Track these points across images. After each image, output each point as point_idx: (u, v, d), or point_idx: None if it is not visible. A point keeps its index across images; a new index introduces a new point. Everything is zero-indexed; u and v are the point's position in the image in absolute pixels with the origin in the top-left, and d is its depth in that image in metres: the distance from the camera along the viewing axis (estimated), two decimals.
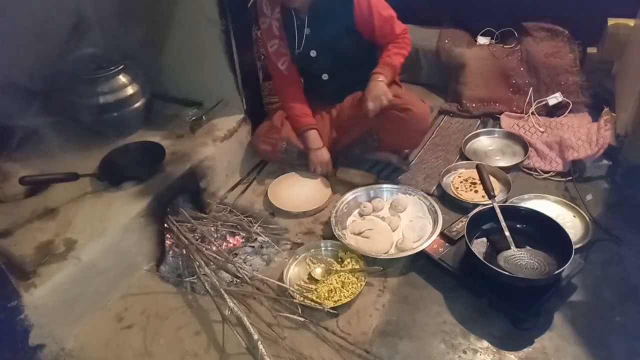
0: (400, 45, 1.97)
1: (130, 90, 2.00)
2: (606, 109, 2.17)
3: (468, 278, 1.58)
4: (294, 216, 1.96)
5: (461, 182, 2.02)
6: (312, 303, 1.55)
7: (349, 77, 2.02)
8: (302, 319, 1.53)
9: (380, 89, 1.88)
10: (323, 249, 1.79)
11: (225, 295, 1.56)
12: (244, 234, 1.87)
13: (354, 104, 2.04)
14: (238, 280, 1.66)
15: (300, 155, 2.11)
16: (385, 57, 1.96)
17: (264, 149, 2.13)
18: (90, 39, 2.16)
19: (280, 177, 2.13)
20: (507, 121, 2.39)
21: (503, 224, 1.58)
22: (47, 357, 1.46)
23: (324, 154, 2.03)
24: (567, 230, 1.54)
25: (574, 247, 1.48)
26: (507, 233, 1.56)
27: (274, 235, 1.87)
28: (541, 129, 2.28)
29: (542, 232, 1.61)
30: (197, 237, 1.82)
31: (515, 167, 2.11)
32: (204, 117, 2.11)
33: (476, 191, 1.96)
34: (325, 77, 2.04)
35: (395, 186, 2.00)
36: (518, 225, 1.64)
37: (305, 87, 2.14)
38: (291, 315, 1.54)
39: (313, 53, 1.95)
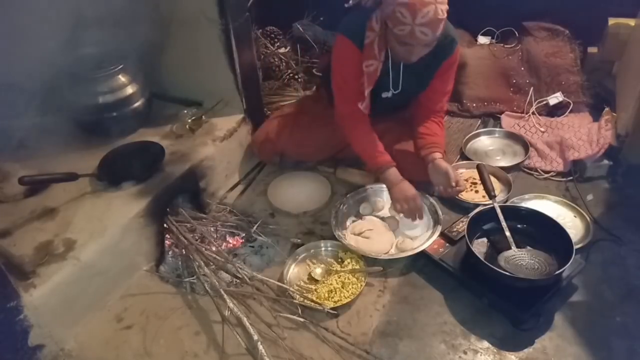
0: (440, 124, 1.89)
1: (129, 90, 1.99)
2: (607, 109, 2.17)
3: (468, 278, 1.57)
4: (294, 216, 1.95)
5: None
6: (312, 303, 1.54)
7: (405, 100, 1.95)
8: (302, 320, 1.53)
9: (446, 170, 1.76)
10: (323, 249, 1.78)
11: (225, 296, 1.56)
12: (243, 234, 1.86)
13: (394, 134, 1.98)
14: (238, 281, 1.66)
15: (296, 165, 2.13)
16: (437, 136, 1.85)
17: (260, 157, 2.16)
18: (90, 39, 2.15)
19: (280, 176, 2.13)
20: (508, 121, 2.38)
21: (504, 224, 1.58)
22: (46, 357, 1.46)
23: (408, 189, 1.76)
24: (568, 231, 1.54)
25: (575, 247, 1.48)
26: (507, 233, 1.56)
27: (274, 236, 1.86)
28: (542, 129, 2.28)
29: (542, 232, 1.61)
30: (197, 238, 1.82)
31: (516, 167, 2.11)
32: (203, 117, 2.11)
33: (477, 191, 1.96)
34: (384, 95, 1.88)
35: None
36: (519, 226, 1.64)
37: (316, 108, 2.09)
38: (291, 316, 1.54)
39: (389, 94, 1.85)
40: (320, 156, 2.12)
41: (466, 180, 2.02)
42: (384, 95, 1.83)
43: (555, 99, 2.36)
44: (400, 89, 1.83)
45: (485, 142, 2.30)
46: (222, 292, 1.57)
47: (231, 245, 1.84)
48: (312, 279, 1.67)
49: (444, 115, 1.94)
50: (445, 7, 1.49)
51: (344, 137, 1.87)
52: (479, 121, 2.44)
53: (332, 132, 1.97)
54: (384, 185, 1.97)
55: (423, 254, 1.68)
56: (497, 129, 2.35)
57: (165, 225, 1.81)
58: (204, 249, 1.73)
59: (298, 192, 2.06)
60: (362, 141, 1.83)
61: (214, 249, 1.77)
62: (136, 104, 2.03)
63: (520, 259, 1.50)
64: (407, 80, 1.80)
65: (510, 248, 1.53)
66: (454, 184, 1.75)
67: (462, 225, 1.72)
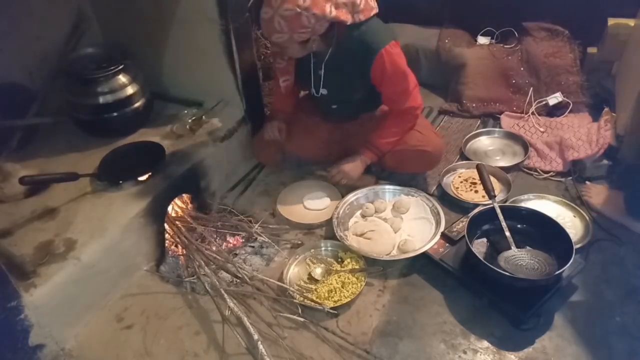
0: (401, 124, 1.90)
1: (130, 90, 1.99)
2: (606, 109, 2.17)
3: (468, 278, 1.57)
4: (307, 227, 1.91)
5: (461, 182, 2.02)
6: (312, 303, 1.54)
7: (358, 106, 1.99)
8: (302, 319, 1.53)
9: (355, 173, 1.93)
10: (323, 249, 1.79)
11: (225, 296, 1.56)
12: (244, 234, 1.87)
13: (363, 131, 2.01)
14: (238, 280, 1.66)
15: (300, 164, 2.13)
16: (378, 138, 1.90)
17: (263, 158, 2.17)
18: (90, 39, 2.16)
19: (287, 188, 2.07)
20: (507, 121, 2.39)
21: (503, 224, 1.58)
22: (47, 357, 1.46)
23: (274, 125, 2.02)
24: (568, 230, 1.54)
25: (575, 247, 1.48)
26: (507, 233, 1.56)
27: (274, 235, 1.87)
28: (541, 129, 2.28)
29: (542, 232, 1.61)
30: (197, 237, 1.82)
31: (516, 167, 2.11)
32: (204, 117, 2.11)
33: (476, 191, 1.96)
34: (334, 107, 1.99)
35: (397, 187, 1.99)
36: (518, 226, 1.64)
37: (314, 108, 2.10)
38: (291, 316, 1.54)
39: (324, 91, 1.92)
40: (320, 153, 2.10)
41: (465, 180, 2.02)
42: (322, 92, 1.93)
43: (554, 99, 2.36)
44: (328, 90, 1.92)
45: (485, 142, 2.30)
46: (223, 291, 1.58)
47: (231, 245, 1.84)
48: (312, 279, 1.68)
49: (409, 114, 1.90)
50: (282, 18, 1.57)
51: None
52: (479, 121, 2.44)
53: (330, 129, 2.03)
54: (387, 187, 2.00)
55: (423, 254, 1.68)
56: (497, 129, 2.35)
57: (165, 225, 1.81)
58: (204, 248, 1.73)
59: (308, 203, 2.00)
60: (274, 102, 2.16)
61: (214, 248, 1.77)
62: (136, 104, 2.02)
63: (520, 259, 1.50)
64: (333, 81, 1.89)
65: (510, 248, 1.53)
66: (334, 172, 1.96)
67: (461, 226, 1.72)
